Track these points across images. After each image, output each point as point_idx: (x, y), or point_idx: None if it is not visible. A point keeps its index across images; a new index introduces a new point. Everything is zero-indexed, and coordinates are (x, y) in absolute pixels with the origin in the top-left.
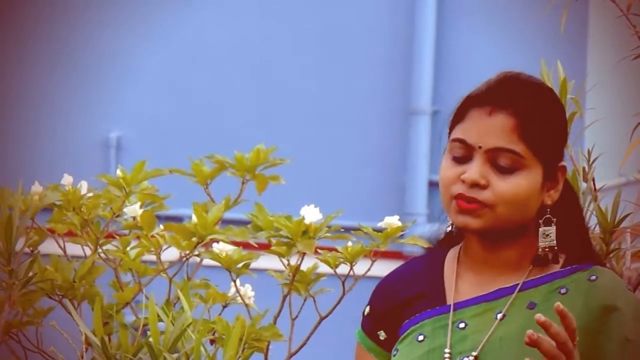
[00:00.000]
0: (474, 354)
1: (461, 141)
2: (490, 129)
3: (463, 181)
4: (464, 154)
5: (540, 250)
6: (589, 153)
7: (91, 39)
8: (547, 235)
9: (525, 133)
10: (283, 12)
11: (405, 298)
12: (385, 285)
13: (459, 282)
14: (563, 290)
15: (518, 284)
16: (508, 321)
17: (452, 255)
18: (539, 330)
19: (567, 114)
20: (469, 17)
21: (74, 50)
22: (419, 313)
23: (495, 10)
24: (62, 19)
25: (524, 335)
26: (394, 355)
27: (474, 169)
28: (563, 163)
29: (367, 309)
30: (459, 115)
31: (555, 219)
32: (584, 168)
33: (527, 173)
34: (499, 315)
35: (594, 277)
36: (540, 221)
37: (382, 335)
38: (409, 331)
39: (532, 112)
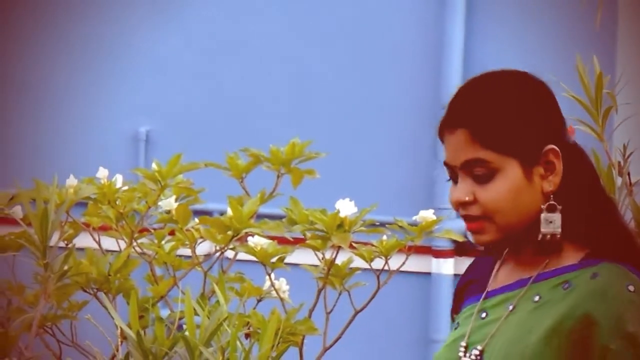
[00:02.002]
0: (479, 347)
1: (446, 164)
2: (456, 147)
3: None
4: (453, 175)
5: (540, 236)
6: (625, 148)
7: (122, 33)
8: (551, 222)
9: (482, 139)
10: (314, 7)
11: (464, 283)
12: (465, 269)
13: (499, 273)
14: (566, 286)
15: (533, 276)
16: (515, 313)
17: None
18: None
19: (602, 109)
20: (498, 12)
21: (105, 45)
22: (467, 299)
23: (525, 6)
24: (94, 14)
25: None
26: None
27: (457, 189)
28: (551, 146)
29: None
30: (441, 141)
31: (560, 206)
32: (619, 162)
33: (502, 174)
34: (510, 307)
35: (596, 275)
36: (542, 207)
37: (457, 318)
38: (457, 317)
39: (483, 116)
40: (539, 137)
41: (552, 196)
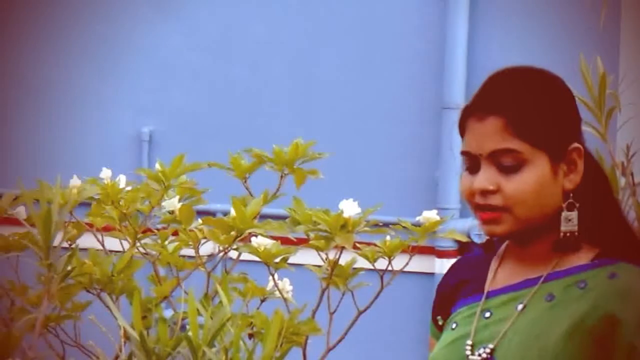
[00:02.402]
0: (491, 346)
1: (466, 153)
2: (484, 135)
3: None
4: (473, 165)
5: (561, 235)
6: (628, 148)
7: (125, 32)
8: (570, 220)
9: (517, 129)
10: (318, 7)
11: (454, 283)
12: (447, 272)
13: (498, 272)
14: (582, 285)
15: (542, 275)
16: (526, 312)
17: (504, 245)
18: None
19: (606, 109)
20: (501, 11)
21: (108, 45)
22: (460, 300)
23: (528, 6)
24: (97, 13)
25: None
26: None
27: (480, 177)
28: (576, 145)
29: (435, 295)
30: (461, 130)
31: (577, 204)
32: (622, 163)
33: (531, 167)
34: (519, 307)
35: (614, 275)
36: (563, 205)
37: (440, 321)
38: (450, 318)
39: (519, 106)
40: (567, 134)
41: (571, 195)
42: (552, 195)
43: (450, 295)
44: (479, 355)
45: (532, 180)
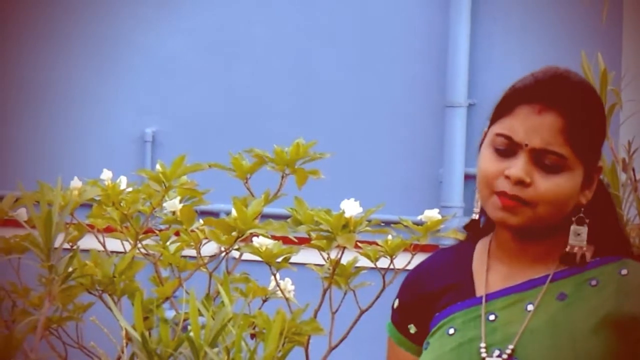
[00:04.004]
0: (511, 347)
1: (506, 137)
2: (538, 129)
3: (507, 177)
4: (508, 149)
5: (568, 248)
6: (629, 144)
7: (128, 32)
8: (578, 234)
9: (571, 136)
10: (321, 6)
11: (433, 290)
12: (413, 278)
13: (489, 274)
14: (594, 282)
15: (549, 274)
16: (538, 312)
17: (481, 247)
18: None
19: (607, 106)
20: (503, 9)
21: (110, 45)
22: (449, 306)
23: (529, 3)
24: (97, 13)
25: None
26: (425, 349)
27: (520, 166)
28: (600, 163)
29: (396, 302)
30: (505, 109)
31: (588, 220)
32: (623, 159)
33: (569, 174)
34: (530, 307)
35: (624, 271)
36: (573, 219)
37: (412, 329)
38: (439, 324)
39: (578, 114)
40: (599, 152)
41: (582, 209)
42: (571, 206)
43: (429, 303)
44: (499, 356)
45: (567, 187)
